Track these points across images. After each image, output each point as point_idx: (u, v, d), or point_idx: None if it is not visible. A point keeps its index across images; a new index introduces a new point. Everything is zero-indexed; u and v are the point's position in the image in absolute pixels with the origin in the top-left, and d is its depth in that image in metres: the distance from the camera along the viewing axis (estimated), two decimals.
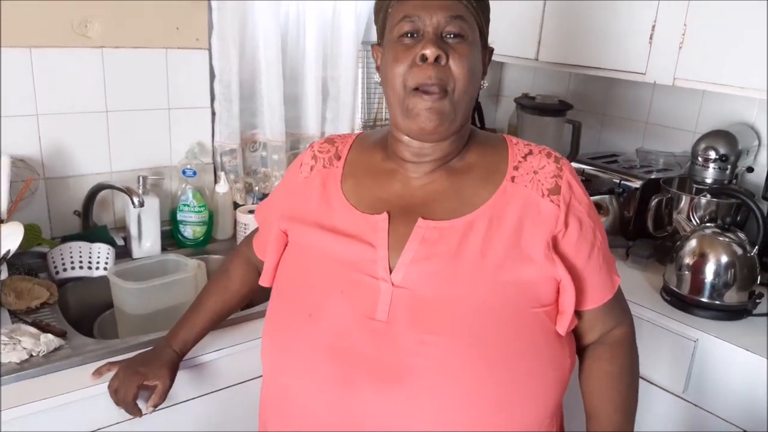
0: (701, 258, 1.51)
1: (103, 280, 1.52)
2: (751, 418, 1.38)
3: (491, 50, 1.00)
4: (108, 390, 1.13)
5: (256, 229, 1.20)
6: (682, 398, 1.50)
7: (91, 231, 1.69)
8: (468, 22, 0.91)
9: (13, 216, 1.42)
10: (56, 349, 1.22)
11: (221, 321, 1.25)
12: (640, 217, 1.86)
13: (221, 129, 1.88)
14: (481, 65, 0.95)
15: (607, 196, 1.92)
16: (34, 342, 1.20)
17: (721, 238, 1.51)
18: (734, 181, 1.79)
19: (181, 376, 1.22)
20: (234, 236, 1.91)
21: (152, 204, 1.69)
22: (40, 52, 1.56)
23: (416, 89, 0.89)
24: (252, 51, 1.90)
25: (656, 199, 1.78)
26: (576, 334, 1.03)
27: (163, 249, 1.74)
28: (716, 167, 1.75)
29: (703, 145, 1.78)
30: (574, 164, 2.03)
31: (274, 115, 1.96)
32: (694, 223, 1.69)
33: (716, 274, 1.49)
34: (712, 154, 1.75)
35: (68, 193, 1.68)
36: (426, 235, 0.91)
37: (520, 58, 2.13)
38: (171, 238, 1.81)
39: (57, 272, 1.54)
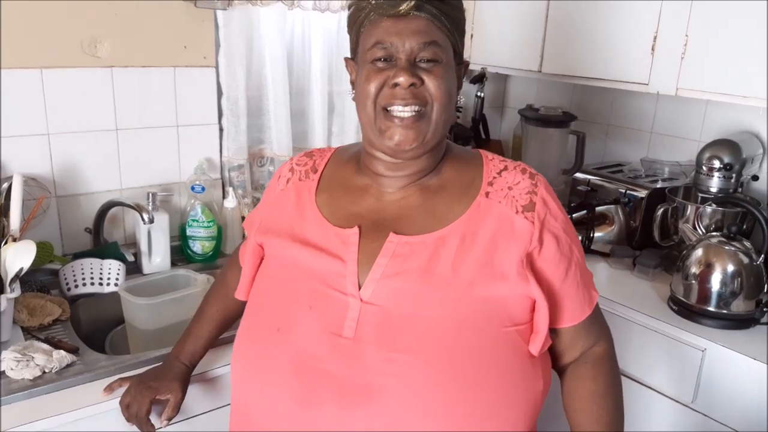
0: (708, 267, 1.51)
1: (114, 296, 1.53)
2: (760, 428, 1.37)
3: (466, 64, 1.00)
4: (120, 406, 1.14)
5: (244, 236, 1.19)
6: (690, 408, 1.49)
7: (102, 248, 1.71)
8: (442, 46, 0.90)
9: (25, 234, 1.44)
10: (68, 366, 1.23)
11: (226, 328, 1.25)
12: (646, 227, 1.86)
13: (229, 145, 1.91)
14: (456, 84, 0.95)
15: (612, 206, 1.92)
16: (46, 359, 1.21)
17: (727, 247, 1.51)
18: (739, 189, 1.79)
19: (194, 390, 1.23)
20: None
21: (162, 220, 1.71)
22: (50, 72, 1.59)
23: (387, 109, 0.89)
24: (258, 67, 1.93)
25: (662, 209, 1.79)
26: (556, 352, 1.01)
27: (173, 264, 1.76)
28: (721, 176, 1.76)
29: (707, 154, 1.78)
30: (580, 175, 2.04)
31: (281, 130, 1.98)
32: (700, 232, 1.70)
33: (723, 283, 1.49)
34: (717, 163, 1.76)
35: (79, 210, 1.71)
36: (397, 250, 0.89)
37: (524, 70, 2.14)
38: (180, 254, 1.83)
39: (69, 289, 1.56)
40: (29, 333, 1.34)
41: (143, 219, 1.60)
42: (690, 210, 1.75)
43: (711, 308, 1.50)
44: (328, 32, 2.01)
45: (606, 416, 0.98)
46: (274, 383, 0.91)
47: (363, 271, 0.89)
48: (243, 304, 1.19)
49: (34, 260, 1.29)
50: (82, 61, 1.63)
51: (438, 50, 0.89)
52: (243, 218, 1.94)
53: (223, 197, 1.92)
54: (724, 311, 1.49)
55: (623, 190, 1.94)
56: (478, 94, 2.36)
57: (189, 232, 1.80)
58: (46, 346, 1.26)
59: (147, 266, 1.72)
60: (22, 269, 1.26)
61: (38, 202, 1.55)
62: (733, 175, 1.75)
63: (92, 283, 1.58)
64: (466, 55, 2.34)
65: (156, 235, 1.71)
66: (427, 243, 0.89)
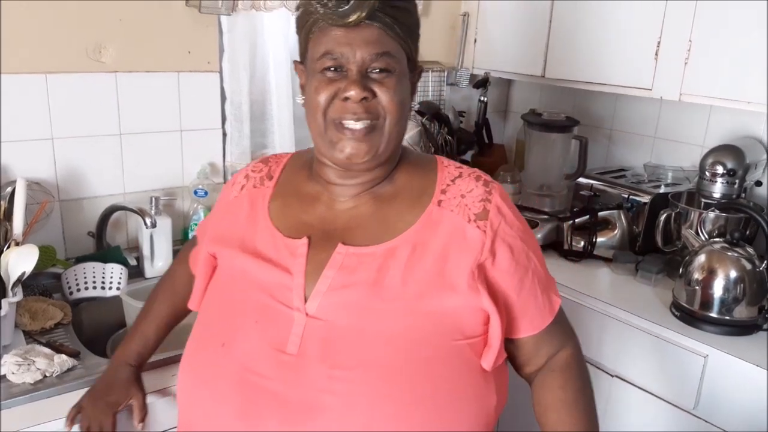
0: (710, 273, 1.51)
1: (117, 300, 1.54)
2: None
3: (420, 70, 0.96)
4: None
5: (195, 239, 1.16)
6: (692, 414, 1.48)
7: (104, 252, 1.72)
8: (395, 57, 0.86)
9: (28, 238, 1.45)
10: (69, 370, 1.24)
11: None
12: (649, 232, 1.86)
13: (232, 149, 1.91)
14: (410, 92, 0.92)
15: (615, 211, 1.92)
16: (47, 362, 1.22)
17: (729, 253, 1.51)
18: (743, 195, 1.79)
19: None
20: None
21: (164, 224, 1.72)
22: (55, 77, 1.60)
23: (338, 122, 0.86)
24: (262, 72, 1.93)
25: (665, 214, 1.78)
26: (520, 361, 0.99)
27: None
28: (724, 182, 1.75)
29: (710, 160, 1.77)
30: (582, 180, 2.04)
31: (284, 135, 1.99)
32: (703, 238, 1.69)
33: (725, 289, 1.49)
34: (720, 169, 1.75)
35: (82, 214, 1.71)
36: (345, 261, 0.86)
37: (527, 75, 2.14)
38: None
39: (71, 293, 1.57)
40: (31, 337, 1.34)
41: (146, 223, 1.60)
42: (693, 216, 1.75)
43: (713, 314, 1.49)
44: None
45: (581, 424, 0.96)
46: (217, 399, 0.87)
47: (310, 283, 0.86)
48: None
49: (37, 264, 1.29)
50: (86, 66, 1.64)
51: (391, 60, 0.86)
52: None
53: None
54: (727, 317, 1.49)
55: (626, 196, 1.94)
56: (481, 98, 2.36)
57: (192, 236, 1.81)
58: (47, 350, 1.26)
59: (149, 270, 1.73)
60: (24, 273, 1.27)
61: (41, 206, 1.56)
62: (737, 181, 1.75)
63: (94, 287, 1.59)
64: (468, 60, 2.36)
65: (158, 240, 1.72)
66: (376, 254, 0.86)
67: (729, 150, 1.77)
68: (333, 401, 0.82)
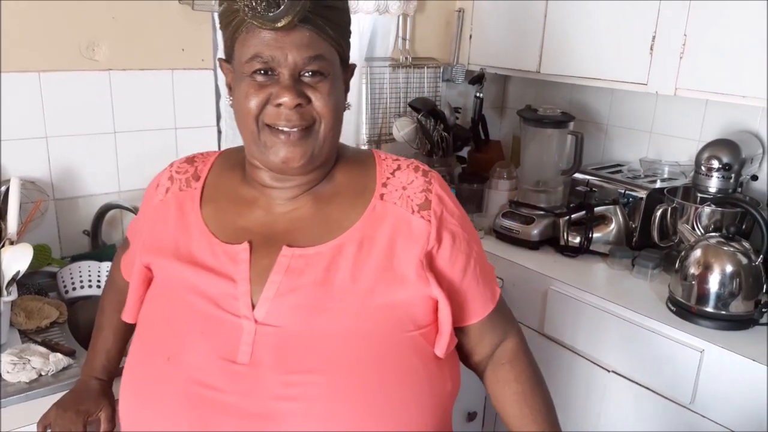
0: (706, 268, 1.51)
1: None
2: (759, 429, 1.37)
3: (353, 68, 0.94)
4: None
5: (127, 242, 1.10)
6: (689, 409, 1.49)
7: (100, 250, 1.71)
8: (328, 59, 0.84)
9: (23, 237, 1.45)
10: (65, 369, 1.24)
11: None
12: (645, 228, 1.86)
13: (227, 147, 1.90)
14: (344, 93, 0.91)
15: (611, 206, 1.92)
16: (43, 361, 1.22)
17: (725, 248, 1.51)
18: (738, 189, 1.79)
19: None
20: None
21: None
22: (48, 75, 1.59)
23: (270, 126, 0.83)
24: None
25: (661, 209, 1.78)
26: (466, 350, 0.99)
27: None
28: (720, 176, 1.75)
29: (706, 154, 1.77)
30: (578, 175, 2.04)
31: None
32: (699, 232, 1.69)
33: (721, 283, 1.49)
34: (716, 163, 1.75)
35: (77, 213, 1.71)
36: (291, 264, 0.84)
37: (523, 71, 2.14)
38: None
39: (67, 291, 1.56)
40: (26, 336, 1.34)
41: None
42: (689, 210, 1.75)
43: (709, 309, 1.49)
44: None
45: (541, 413, 0.96)
46: (165, 417, 0.84)
47: (256, 290, 0.84)
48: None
49: (32, 263, 1.29)
50: (80, 64, 1.63)
51: (324, 63, 0.83)
52: None
53: None
54: (723, 312, 1.49)
55: (622, 191, 1.94)
56: (477, 94, 2.36)
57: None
58: (42, 349, 1.26)
59: None
60: (19, 272, 1.27)
61: (36, 205, 1.55)
62: (732, 175, 1.75)
63: (90, 286, 1.59)
64: (464, 57, 2.36)
65: None
66: (323, 253, 0.85)
67: (725, 144, 1.77)
68: (291, 407, 0.80)
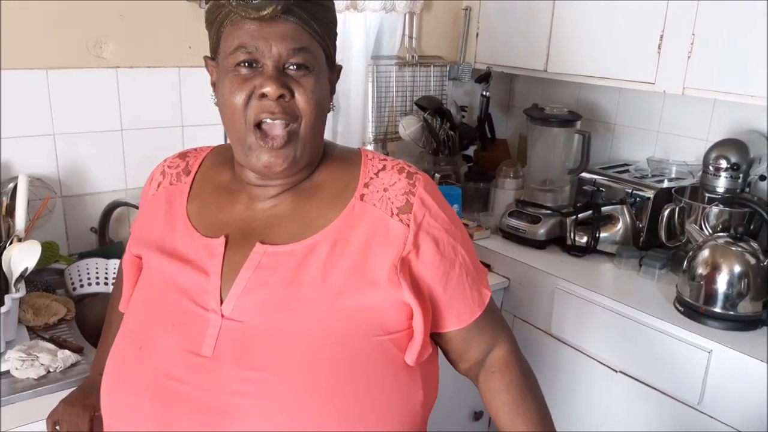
0: (714, 268, 1.50)
1: None
2: (766, 430, 1.36)
3: (339, 68, 0.93)
4: None
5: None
6: (697, 410, 1.48)
7: (107, 247, 1.72)
8: (312, 53, 0.83)
9: (31, 234, 1.45)
10: (73, 365, 1.24)
11: None
12: (653, 227, 1.85)
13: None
14: (328, 92, 0.90)
15: (618, 206, 1.91)
16: (51, 358, 1.22)
17: (733, 248, 1.50)
18: (746, 189, 1.78)
19: None
20: None
21: None
22: (56, 73, 1.59)
23: (257, 125, 0.82)
24: None
25: (668, 209, 1.78)
26: (453, 357, 0.98)
27: None
28: (728, 176, 1.74)
29: (714, 154, 1.77)
30: (585, 175, 2.03)
31: None
32: (707, 232, 1.68)
33: (729, 284, 1.48)
34: (724, 163, 1.74)
35: (85, 210, 1.71)
36: (263, 261, 0.84)
37: (530, 70, 2.14)
38: None
39: (74, 288, 1.57)
40: (34, 332, 1.34)
41: None
42: (697, 210, 1.74)
43: (717, 309, 1.49)
44: None
45: (533, 418, 0.94)
46: (133, 404, 0.84)
47: (226, 284, 0.84)
48: None
49: (40, 260, 1.30)
50: (87, 61, 1.64)
51: (308, 56, 0.82)
52: None
53: None
54: (731, 312, 1.48)
55: (629, 190, 1.93)
56: (484, 93, 2.36)
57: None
58: (50, 346, 1.26)
59: None
60: (27, 269, 1.27)
61: (44, 202, 1.56)
62: (741, 175, 1.74)
63: (97, 283, 1.59)
64: (470, 55, 2.35)
65: None
66: (296, 252, 0.84)
67: (733, 144, 1.77)
68: (246, 404, 0.79)
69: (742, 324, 1.48)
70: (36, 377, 1.18)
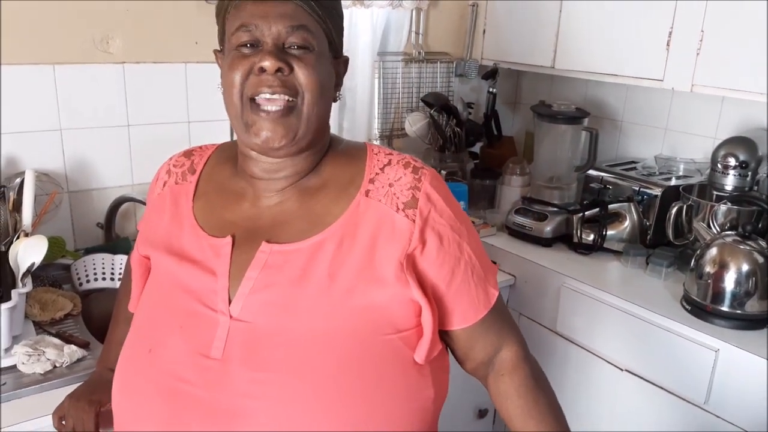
0: (722, 267, 1.49)
1: None
2: None
3: (346, 60, 0.93)
4: None
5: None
6: (703, 409, 1.48)
7: (113, 243, 1.72)
8: (313, 32, 0.83)
9: (37, 229, 1.45)
10: (79, 360, 1.24)
11: None
12: (660, 225, 1.84)
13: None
14: (333, 77, 0.89)
15: (626, 204, 1.90)
16: (57, 353, 1.22)
17: (741, 246, 1.49)
18: (755, 187, 1.77)
19: None
20: None
21: None
22: (63, 68, 1.60)
23: (254, 100, 0.82)
24: None
25: (676, 207, 1.77)
26: (458, 356, 0.96)
27: None
28: (736, 174, 1.73)
29: (722, 152, 1.76)
30: (593, 172, 2.02)
31: None
32: (715, 231, 1.67)
33: (737, 282, 1.47)
34: (732, 161, 1.73)
35: (91, 205, 1.72)
36: (269, 260, 0.83)
37: (537, 66, 2.13)
38: None
39: (80, 284, 1.57)
40: (41, 327, 1.35)
41: None
42: (705, 208, 1.73)
43: (725, 308, 1.48)
44: None
45: (545, 426, 0.92)
46: (144, 406, 0.85)
47: (235, 285, 0.83)
48: None
49: (46, 255, 1.30)
50: (94, 57, 1.64)
51: (308, 36, 0.82)
52: None
53: None
54: (738, 311, 1.47)
55: (637, 188, 1.92)
56: (491, 90, 2.35)
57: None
58: (57, 341, 1.27)
59: None
60: (33, 264, 1.27)
61: (50, 197, 1.56)
62: (749, 173, 1.73)
63: (104, 278, 1.60)
64: (477, 52, 2.34)
65: None
66: (302, 250, 0.83)
67: (741, 142, 1.75)
68: (255, 406, 0.79)
69: (749, 323, 1.47)
70: (42, 372, 1.19)
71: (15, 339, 1.25)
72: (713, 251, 1.52)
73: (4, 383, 1.15)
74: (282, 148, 0.83)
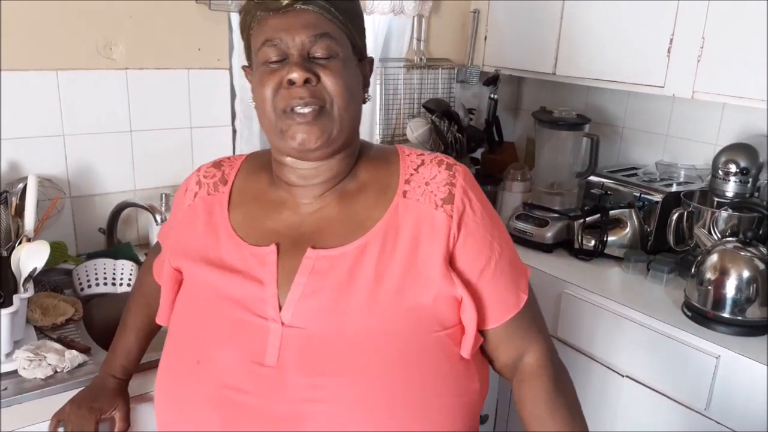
0: (723, 273, 1.49)
1: (127, 296, 1.53)
2: None
3: (371, 60, 0.94)
4: None
5: (158, 245, 1.11)
6: (704, 416, 1.47)
7: (115, 248, 1.72)
8: (336, 39, 0.85)
9: (39, 234, 1.46)
10: (80, 365, 1.24)
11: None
12: (661, 232, 1.84)
13: (242, 146, 1.92)
14: (360, 79, 0.90)
15: (626, 210, 1.90)
16: (58, 358, 1.22)
17: (742, 253, 1.49)
18: (756, 194, 1.77)
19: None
20: None
21: None
22: (66, 74, 1.60)
23: (286, 111, 0.83)
24: None
25: (677, 213, 1.77)
26: (486, 355, 0.96)
27: None
28: (737, 180, 1.73)
29: (723, 158, 1.76)
30: (594, 178, 2.03)
31: None
32: (716, 237, 1.67)
33: (738, 289, 1.47)
34: (733, 167, 1.73)
35: (93, 211, 1.72)
36: (316, 266, 0.84)
37: (538, 73, 2.13)
38: None
39: (82, 289, 1.57)
40: (42, 332, 1.35)
41: (156, 220, 1.61)
42: (705, 215, 1.73)
43: (726, 314, 1.48)
44: None
45: (570, 425, 0.91)
46: (197, 419, 0.85)
47: (283, 292, 0.84)
48: None
49: (48, 260, 1.30)
50: (97, 63, 1.65)
51: (332, 43, 0.84)
52: None
53: None
54: (739, 318, 1.47)
55: (638, 194, 1.92)
56: (492, 96, 2.35)
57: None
58: (58, 346, 1.27)
59: None
60: (35, 269, 1.28)
61: (53, 202, 1.56)
62: (750, 180, 1.73)
63: (105, 284, 1.60)
64: (478, 58, 2.35)
65: None
66: (348, 255, 0.84)
67: (742, 148, 1.75)
68: (317, 410, 0.80)
69: (750, 329, 1.47)
70: (43, 377, 1.19)
71: (16, 344, 1.25)
72: (714, 257, 1.52)
73: (5, 388, 1.15)
74: (318, 148, 0.85)
